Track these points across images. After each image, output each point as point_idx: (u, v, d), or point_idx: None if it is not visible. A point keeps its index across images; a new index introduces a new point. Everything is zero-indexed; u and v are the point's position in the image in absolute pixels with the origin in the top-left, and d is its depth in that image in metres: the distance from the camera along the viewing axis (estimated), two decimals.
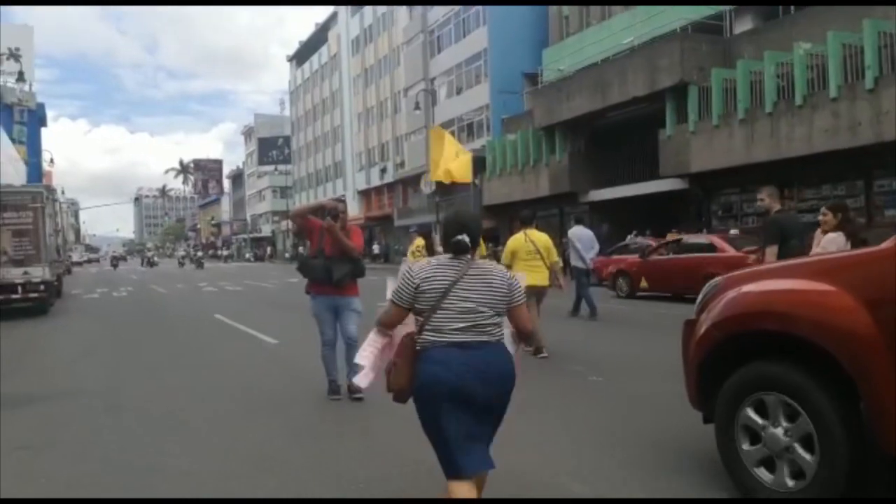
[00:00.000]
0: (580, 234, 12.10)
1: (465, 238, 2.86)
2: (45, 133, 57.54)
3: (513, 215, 30.08)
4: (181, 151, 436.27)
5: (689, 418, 4.01)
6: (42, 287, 14.54)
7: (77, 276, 37.29)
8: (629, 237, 21.83)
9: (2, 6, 15.01)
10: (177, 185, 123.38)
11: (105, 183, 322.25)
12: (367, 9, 50.44)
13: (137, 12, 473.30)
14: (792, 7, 20.48)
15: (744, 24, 22.62)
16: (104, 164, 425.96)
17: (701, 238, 15.85)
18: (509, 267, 8.19)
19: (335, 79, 58.19)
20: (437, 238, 6.05)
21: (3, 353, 9.58)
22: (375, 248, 44.70)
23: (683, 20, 22.97)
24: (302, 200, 65.63)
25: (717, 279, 3.82)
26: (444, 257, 2.93)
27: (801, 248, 5.99)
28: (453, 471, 2.74)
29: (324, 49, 60.92)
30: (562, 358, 7.65)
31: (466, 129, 37.38)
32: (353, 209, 48.74)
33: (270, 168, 72.39)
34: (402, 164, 44.61)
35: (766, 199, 6.23)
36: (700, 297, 3.85)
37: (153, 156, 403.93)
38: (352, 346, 5.57)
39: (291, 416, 5.44)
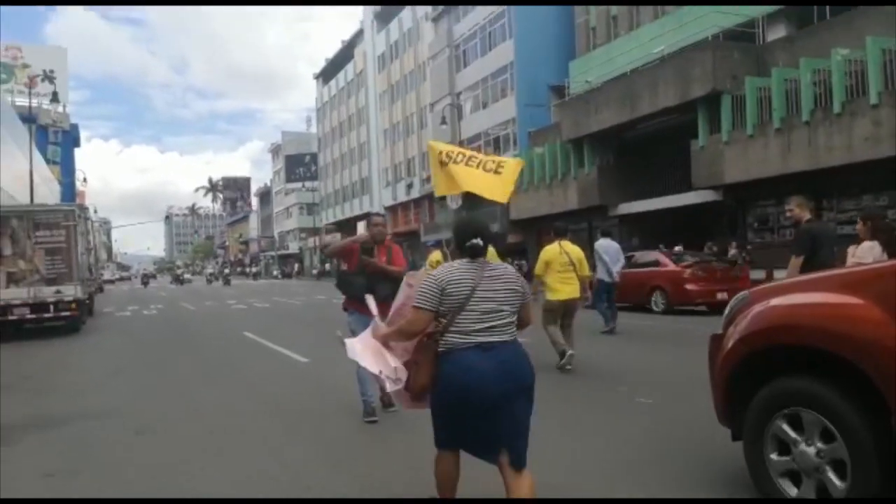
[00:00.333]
0: (607, 247, 11.90)
1: (480, 241, 3.02)
2: (79, 153, 58.84)
3: (540, 229, 29.86)
4: (210, 170, 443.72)
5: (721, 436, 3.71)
6: (74, 305, 14.56)
7: (109, 294, 37.73)
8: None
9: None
10: (206, 203, 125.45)
11: (136, 202, 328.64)
12: (393, 25, 50.77)
13: (167, 34, 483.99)
14: (827, 13, 20.02)
15: (777, 32, 22.14)
16: (135, 184, 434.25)
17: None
18: (541, 277, 8.03)
19: (361, 95, 58.57)
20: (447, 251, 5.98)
21: (34, 371, 9.56)
22: None
23: (715, 28, 22.56)
24: (329, 217, 66.00)
25: (745, 293, 3.75)
26: (461, 261, 3.03)
27: (833, 258, 5.80)
28: (449, 444, 3.03)
29: (350, 66, 61.42)
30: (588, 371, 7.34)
31: (493, 144, 37.23)
32: None
33: (298, 185, 72.97)
34: (428, 180, 44.57)
35: (796, 209, 6.05)
36: (727, 311, 3.78)
37: (183, 175, 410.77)
38: None
39: (328, 437, 5.22)
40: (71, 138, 52.04)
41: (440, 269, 3.04)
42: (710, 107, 21.34)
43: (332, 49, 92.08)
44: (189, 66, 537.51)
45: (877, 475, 2.87)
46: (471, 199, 31.28)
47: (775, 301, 3.45)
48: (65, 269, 14.45)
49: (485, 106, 37.97)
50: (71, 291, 14.45)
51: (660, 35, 25.60)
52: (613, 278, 11.68)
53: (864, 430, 2.91)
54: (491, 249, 8.30)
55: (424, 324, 3.00)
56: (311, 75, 75.02)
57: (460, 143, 38.21)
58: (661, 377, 7.21)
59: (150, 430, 5.73)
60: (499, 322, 2.93)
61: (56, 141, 47.47)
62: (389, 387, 3.29)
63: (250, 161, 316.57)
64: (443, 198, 11.19)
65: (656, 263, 16.30)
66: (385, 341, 3.28)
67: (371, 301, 4.13)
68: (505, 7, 34.99)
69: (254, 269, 77.45)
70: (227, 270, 62.63)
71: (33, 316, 14.20)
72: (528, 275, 9.27)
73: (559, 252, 7.96)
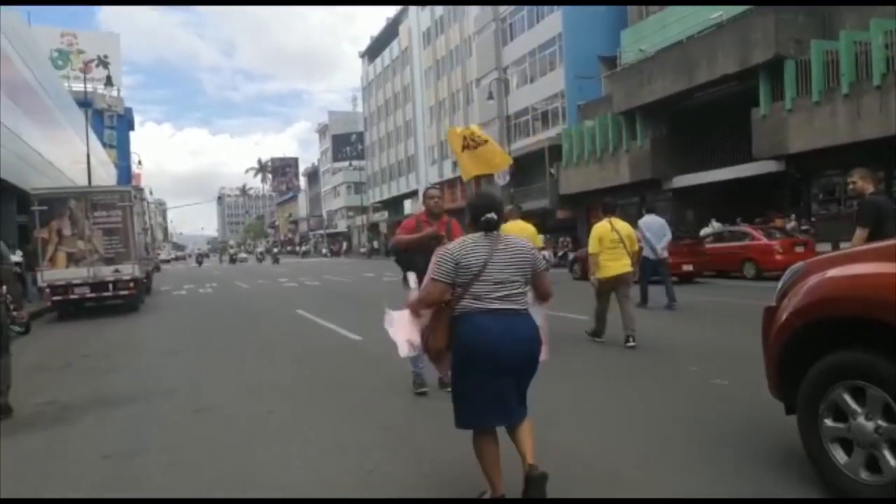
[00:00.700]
0: (650, 223, 11.59)
1: (493, 216, 3.20)
2: (134, 137, 60.30)
3: (590, 205, 29.22)
4: (259, 151, 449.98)
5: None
6: (132, 284, 14.83)
7: (165, 273, 38.68)
8: (709, 226, 20.84)
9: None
10: (256, 183, 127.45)
11: (189, 183, 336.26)
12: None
13: (215, 18, 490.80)
14: None
15: None
16: (188, 166, 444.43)
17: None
18: (596, 256, 7.84)
19: (407, 73, 58.23)
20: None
21: (94, 350, 9.72)
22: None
23: None
24: (376, 196, 66.20)
25: (799, 264, 3.65)
26: (475, 235, 3.22)
27: None
28: (474, 421, 3.17)
29: (395, 43, 61.06)
30: (653, 349, 7.01)
31: (541, 118, 36.54)
32: None
33: (344, 164, 73.35)
34: None
35: (859, 181, 5.85)
36: (781, 283, 3.66)
37: (233, 156, 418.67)
38: None
39: (387, 418, 5.05)
40: (126, 122, 53.34)
41: (454, 243, 3.26)
42: (773, 73, 20.37)
43: (376, 27, 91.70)
44: (237, 49, 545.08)
45: None
46: (516, 177, 30.80)
47: (832, 272, 3.31)
48: (122, 248, 14.71)
49: (532, 80, 37.19)
50: (129, 270, 14.72)
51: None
52: (658, 255, 11.41)
53: None
54: (530, 227, 8.37)
55: (440, 294, 3.21)
56: (356, 54, 75.04)
57: (507, 119, 37.64)
58: (733, 356, 6.83)
59: (208, 409, 5.67)
60: (511, 291, 3.15)
61: (112, 125, 48.72)
62: (401, 352, 3.56)
63: (297, 141, 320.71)
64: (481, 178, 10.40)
65: (747, 236, 17.24)
66: (414, 310, 3.45)
67: (412, 276, 4.26)
68: None
69: (303, 248, 78.57)
70: (276, 249, 63.83)
71: (93, 295, 14.52)
72: (574, 251, 8.99)
73: (609, 229, 7.98)
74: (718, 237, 18.35)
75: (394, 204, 61.09)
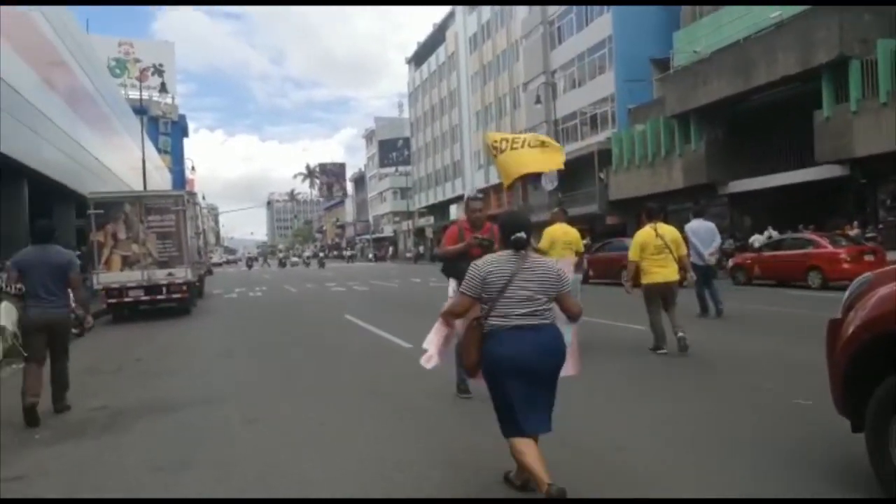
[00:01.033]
0: (697, 228, 11.10)
1: (523, 235, 3.34)
2: (187, 143, 61.82)
3: (641, 211, 28.37)
4: (307, 157, 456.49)
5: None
6: (185, 287, 15.02)
7: (217, 276, 39.39)
8: (764, 233, 20.21)
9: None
10: (304, 188, 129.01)
11: (240, 188, 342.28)
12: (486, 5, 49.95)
13: (265, 27, 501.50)
14: None
15: None
16: (239, 172, 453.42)
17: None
18: (636, 262, 7.53)
19: (453, 78, 58.20)
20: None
21: (147, 354, 9.78)
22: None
23: None
24: (421, 201, 66.31)
25: (867, 275, 3.54)
26: (505, 253, 3.40)
27: None
28: (515, 431, 3.31)
29: (441, 49, 61.12)
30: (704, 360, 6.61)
31: (589, 122, 35.96)
32: None
33: (391, 169, 73.73)
34: None
35: None
36: (846, 294, 3.53)
37: (282, 162, 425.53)
38: None
39: (441, 432, 4.83)
40: (180, 129, 54.75)
41: (483, 260, 3.43)
42: (837, 74, 19.52)
43: (423, 34, 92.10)
44: (286, 57, 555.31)
45: None
46: (564, 182, 30.33)
47: None
48: (175, 252, 14.90)
49: (580, 83, 36.63)
50: (182, 274, 14.90)
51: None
52: (706, 261, 10.94)
53: None
54: (573, 231, 8.13)
55: (466, 307, 3.44)
56: (402, 61, 75.55)
57: (555, 123, 37.17)
58: (803, 370, 6.39)
59: (258, 419, 5.54)
60: (536, 308, 3.31)
61: (166, 132, 50.06)
62: (423, 361, 3.73)
63: (344, 147, 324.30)
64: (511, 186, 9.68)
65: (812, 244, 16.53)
66: (444, 319, 3.64)
67: (453, 284, 4.58)
68: None
69: (349, 253, 79.32)
70: (321, 254, 64.66)
71: (147, 298, 14.75)
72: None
73: (653, 235, 7.68)
74: (778, 244, 17.64)
75: (439, 209, 61.05)
